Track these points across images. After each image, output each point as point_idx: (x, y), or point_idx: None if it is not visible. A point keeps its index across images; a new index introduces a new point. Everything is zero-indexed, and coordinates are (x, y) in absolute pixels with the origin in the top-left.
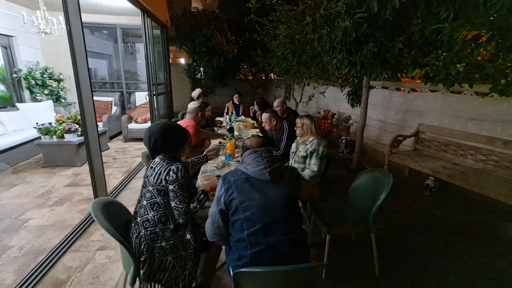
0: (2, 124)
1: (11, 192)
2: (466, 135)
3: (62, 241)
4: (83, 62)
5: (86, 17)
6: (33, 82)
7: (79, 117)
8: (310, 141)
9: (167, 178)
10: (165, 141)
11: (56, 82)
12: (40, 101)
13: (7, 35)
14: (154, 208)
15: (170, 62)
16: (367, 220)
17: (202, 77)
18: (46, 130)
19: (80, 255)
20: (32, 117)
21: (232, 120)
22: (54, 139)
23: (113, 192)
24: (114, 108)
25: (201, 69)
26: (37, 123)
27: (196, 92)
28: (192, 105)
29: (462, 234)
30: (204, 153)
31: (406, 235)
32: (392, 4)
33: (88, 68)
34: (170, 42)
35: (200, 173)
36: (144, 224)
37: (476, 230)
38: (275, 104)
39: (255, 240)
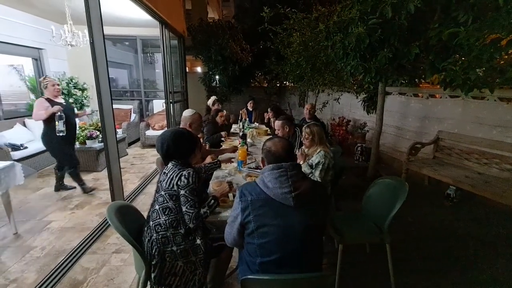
0: (31, 131)
1: (37, 195)
2: (490, 142)
3: (81, 243)
4: (104, 72)
5: (108, 30)
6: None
7: (100, 124)
8: (317, 152)
9: (178, 183)
10: (177, 147)
11: (80, 91)
12: None
13: (38, 48)
14: (166, 213)
15: (187, 71)
16: (381, 231)
17: (218, 85)
18: None
19: (96, 257)
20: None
21: (245, 127)
22: (77, 145)
23: (130, 197)
24: (133, 116)
25: (217, 77)
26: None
27: (211, 100)
28: (185, 113)
29: (486, 248)
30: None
31: (425, 247)
32: (407, 9)
33: (109, 78)
34: (186, 52)
35: (212, 179)
36: (156, 228)
37: (501, 244)
38: (306, 106)
39: (266, 269)
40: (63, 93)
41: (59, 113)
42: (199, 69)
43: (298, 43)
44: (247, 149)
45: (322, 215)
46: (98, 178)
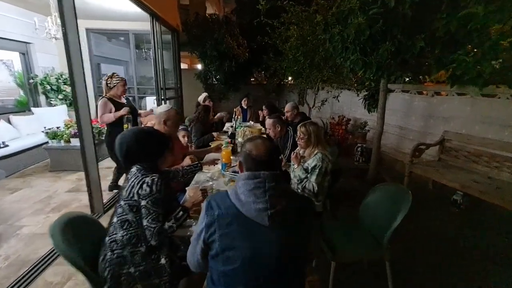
0: (16, 128)
1: (14, 197)
2: (501, 144)
3: (48, 253)
4: (79, 66)
5: (99, 24)
6: (49, 87)
7: None
8: (315, 154)
9: (139, 192)
10: (139, 148)
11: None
12: (55, 105)
13: (25, 42)
14: (124, 227)
15: (187, 68)
16: (380, 245)
17: (216, 82)
18: (53, 134)
19: (63, 269)
20: (46, 121)
21: (237, 126)
22: (62, 143)
23: (110, 202)
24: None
25: (213, 73)
26: (45, 127)
27: (202, 96)
28: (159, 109)
29: (497, 261)
30: (204, 160)
31: (429, 260)
32: None
33: (84, 72)
34: (182, 48)
35: (192, 183)
36: (111, 246)
37: None
38: (286, 108)
39: None
40: (52, 90)
41: (126, 117)
42: (199, 67)
43: (296, 38)
44: (235, 150)
45: (305, 239)
46: (82, 179)
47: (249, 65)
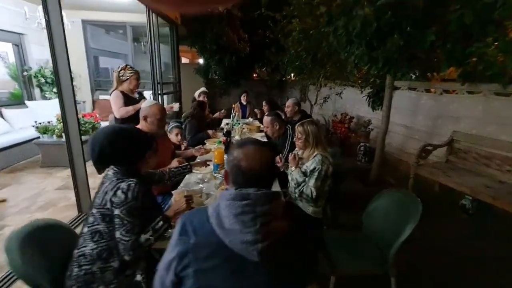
0: (8, 122)
1: (1, 193)
2: None
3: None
4: (63, 55)
5: (95, 15)
6: (43, 80)
7: (79, 116)
8: (314, 156)
9: (113, 199)
10: (114, 150)
11: None
12: (49, 99)
13: (18, 33)
14: (95, 239)
15: (188, 62)
16: (386, 259)
17: (217, 77)
18: (44, 129)
19: None
20: (40, 115)
21: (234, 123)
22: (54, 138)
23: None
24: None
25: (213, 68)
26: (35, 121)
27: (198, 91)
28: (143, 104)
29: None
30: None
31: (437, 272)
32: None
33: (69, 61)
34: (181, 41)
35: (180, 186)
36: (79, 260)
37: None
38: (287, 103)
39: None
40: (46, 82)
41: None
42: (201, 61)
43: (298, 31)
44: (230, 148)
45: (304, 276)
46: None
47: (250, 60)
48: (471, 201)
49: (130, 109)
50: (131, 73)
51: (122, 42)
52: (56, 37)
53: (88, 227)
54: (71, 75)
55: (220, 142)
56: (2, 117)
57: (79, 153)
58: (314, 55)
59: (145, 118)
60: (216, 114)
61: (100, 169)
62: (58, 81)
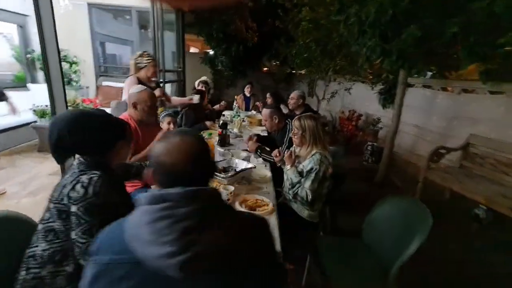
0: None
1: None
2: None
3: None
4: (52, 34)
5: None
6: None
7: (78, 101)
8: (312, 155)
9: (70, 194)
10: (74, 138)
11: (68, 65)
12: None
13: (23, 14)
14: (48, 238)
15: (198, 51)
16: (386, 274)
17: (223, 68)
18: (41, 113)
19: None
20: (41, 98)
21: (234, 115)
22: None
23: None
24: (125, 95)
25: (219, 57)
26: (33, 105)
27: (198, 80)
28: (131, 90)
29: None
30: None
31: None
32: None
33: (57, 42)
34: (188, 29)
35: None
36: (28, 262)
37: None
38: (291, 95)
39: None
40: None
41: (159, 99)
42: (212, 52)
43: (308, 21)
44: (226, 142)
45: None
46: None
47: (258, 50)
48: (485, 210)
49: None
50: (149, 60)
51: (129, 28)
52: (44, 16)
53: (43, 223)
54: (59, 58)
55: (210, 134)
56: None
57: None
58: (324, 46)
59: (134, 105)
60: (216, 106)
61: (59, 159)
62: (46, 64)
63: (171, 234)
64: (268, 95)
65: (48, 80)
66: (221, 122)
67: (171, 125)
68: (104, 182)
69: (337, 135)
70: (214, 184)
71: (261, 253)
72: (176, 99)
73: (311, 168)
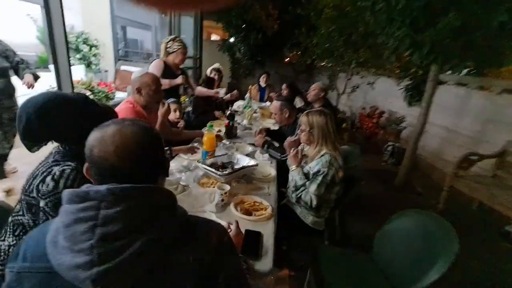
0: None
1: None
2: None
3: None
4: (58, 13)
5: None
6: None
7: (93, 84)
8: (320, 156)
9: (40, 187)
10: (43, 125)
11: (88, 47)
12: (73, 65)
13: None
14: (16, 233)
15: (218, 39)
16: None
17: (245, 56)
18: None
19: None
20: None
21: (245, 105)
22: None
23: None
24: None
25: (237, 45)
26: (50, 86)
27: (210, 67)
28: (134, 74)
29: None
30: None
31: None
32: None
33: (64, 23)
34: (207, 16)
35: None
36: None
37: None
38: (312, 86)
39: None
40: (71, 49)
41: (183, 86)
42: (232, 40)
43: (332, 7)
44: (233, 134)
45: None
46: None
47: (278, 39)
48: None
49: (166, 82)
50: (179, 46)
51: (149, 13)
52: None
53: (13, 216)
54: (66, 40)
55: (211, 126)
56: None
57: None
58: (348, 36)
59: (138, 91)
60: (227, 96)
61: (29, 146)
62: (53, 45)
63: (87, 241)
64: (283, 86)
65: (54, 61)
66: (227, 113)
67: (176, 113)
68: (78, 175)
69: (355, 132)
70: (210, 181)
71: (208, 267)
72: (201, 90)
73: (318, 171)
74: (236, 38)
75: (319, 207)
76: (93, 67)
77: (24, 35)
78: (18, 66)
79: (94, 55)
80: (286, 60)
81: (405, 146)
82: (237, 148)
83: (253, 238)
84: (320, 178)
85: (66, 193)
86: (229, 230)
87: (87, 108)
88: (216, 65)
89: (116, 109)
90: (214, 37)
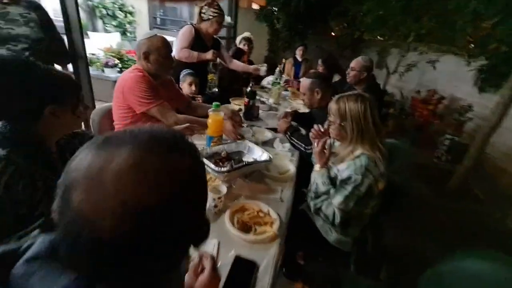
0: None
1: None
2: None
3: None
4: None
5: None
6: (104, 12)
7: (123, 51)
8: (355, 157)
9: None
10: None
11: (124, 14)
12: (110, 32)
13: None
14: None
15: (258, 7)
16: None
17: (284, 27)
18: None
19: None
20: (97, 47)
21: (273, 82)
22: (96, 71)
23: None
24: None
25: (275, 14)
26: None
27: (240, 36)
28: (140, 38)
29: None
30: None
31: None
32: None
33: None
34: None
35: None
36: None
37: None
38: (351, 64)
39: None
40: (107, 14)
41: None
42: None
43: None
44: (253, 115)
45: None
46: None
47: (322, 8)
48: None
49: (195, 55)
50: (215, 13)
51: None
52: None
53: None
54: (77, 8)
55: (218, 105)
56: None
57: (89, 99)
58: (408, 1)
59: (146, 56)
60: (254, 67)
61: None
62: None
63: None
64: (320, 61)
65: (67, 29)
66: (248, 89)
67: (193, 87)
68: (15, 172)
69: (404, 120)
70: (208, 176)
71: None
72: (238, 64)
73: (349, 177)
74: (275, 5)
75: (346, 223)
76: (128, 35)
77: None
78: None
79: (129, 23)
80: (332, 34)
81: (467, 142)
82: (254, 133)
83: (243, 272)
84: (349, 188)
85: None
86: (199, 269)
87: (27, 76)
88: (246, 34)
89: (121, 78)
90: (255, 6)
